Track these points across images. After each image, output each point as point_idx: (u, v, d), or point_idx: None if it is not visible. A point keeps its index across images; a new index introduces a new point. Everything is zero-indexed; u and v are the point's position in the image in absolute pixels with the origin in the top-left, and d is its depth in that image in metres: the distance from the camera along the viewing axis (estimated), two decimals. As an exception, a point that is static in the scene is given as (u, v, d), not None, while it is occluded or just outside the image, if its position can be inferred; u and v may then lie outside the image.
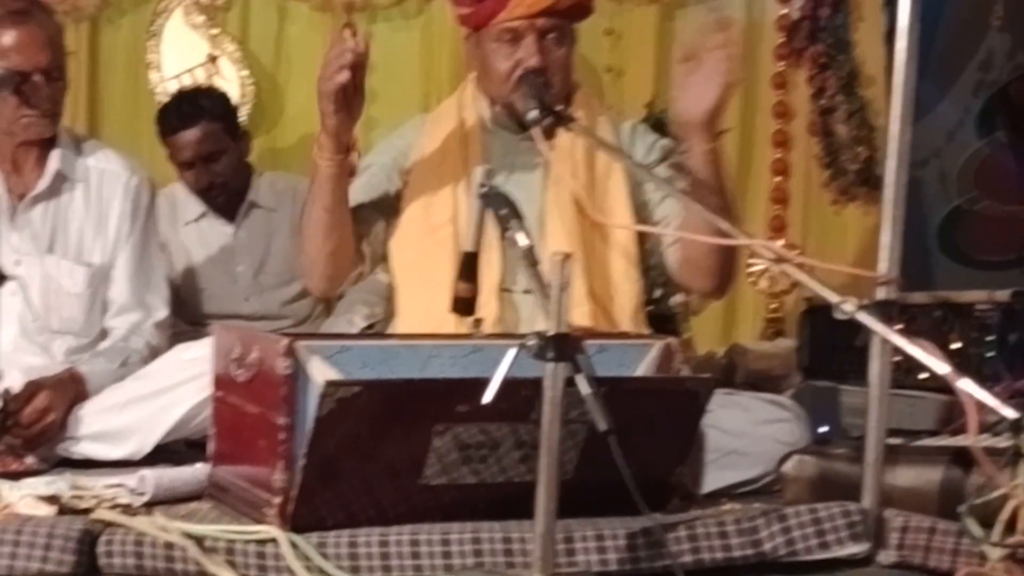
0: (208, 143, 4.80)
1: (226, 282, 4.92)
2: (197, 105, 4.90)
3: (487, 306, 3.09)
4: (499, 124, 3.47)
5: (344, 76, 3.01)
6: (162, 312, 3.84)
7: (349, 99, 3.07)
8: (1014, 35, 5.90)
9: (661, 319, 3.66)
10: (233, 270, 4.92)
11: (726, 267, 3.40)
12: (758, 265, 5.17)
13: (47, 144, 3.70)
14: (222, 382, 2.78)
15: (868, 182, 5.23)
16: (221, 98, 5.02)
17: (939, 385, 3.41)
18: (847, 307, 2.30)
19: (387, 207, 3.47)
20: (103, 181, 3.75)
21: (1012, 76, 5.96)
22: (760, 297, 5.31)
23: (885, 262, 2.50)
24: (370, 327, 4.17)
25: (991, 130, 5.99)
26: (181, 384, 3.43)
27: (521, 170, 3.34)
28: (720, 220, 2.72)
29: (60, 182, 3.70)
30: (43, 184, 3.67)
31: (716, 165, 3.23)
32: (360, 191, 3.45)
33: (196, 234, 4.94)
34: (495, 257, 3.20)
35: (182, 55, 5.44)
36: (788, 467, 2.76)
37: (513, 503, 2.40)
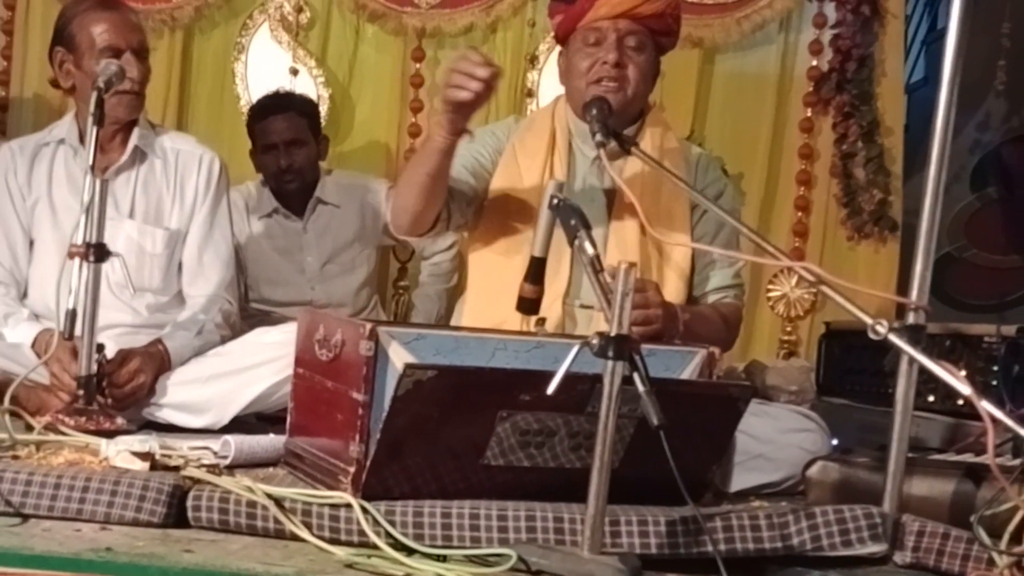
0: (293, 131, 4.92)
1: (294, 272, 4.97)
2: (290, 98, 5.06)
3: (548, 311, 3.09)
4: (583, 139, 3.45)
5: (462, 96, 2.96)
6: (227, 275, 3.86)
7: (466, 107, 3.03)
8: (1011, 101, 5.94)
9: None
10: (301, 261, 4.97)
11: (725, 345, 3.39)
12: (777, 291, 5.20)
13: (128, 128, 3.74)
14: (304, 360, 2.79)
15: (880, 222, 5.26)
16: (310, 101, 5.16)
17: (944, 408, 3.45)
18: (880, 328, 2.29)
19: (479, 179, 3.45)
20: (179, 158, 3.81)
21: (1006, 138, 6.00)
22: (777, 320, 5.32)
23: (915, 290, 2.49)
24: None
25: (983, 186, 6.03)
26: (259, 365, 3.47)
27: (593, 187, 3.35)
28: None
29: (139, 156, 3.75)
30: (125, 157, 3.72)
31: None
32: (458, 158, 3.38)
33: (268, 228, 5.00)
34: (564, 268, 3.21)
35: (266, 67, 5.47)
36: (813, 471, 2.75)
37: (563, 488, 2.41)
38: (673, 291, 3.36)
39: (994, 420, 2.13)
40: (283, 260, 4.96)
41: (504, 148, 3.50)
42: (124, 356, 3.42)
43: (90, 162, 3.20)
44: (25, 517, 2.37)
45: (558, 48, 3.60)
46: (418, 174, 3.21)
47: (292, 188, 4.97)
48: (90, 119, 3.27)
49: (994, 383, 3.44)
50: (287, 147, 4.92)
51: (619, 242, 3.26)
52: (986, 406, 2.13)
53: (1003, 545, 2.32)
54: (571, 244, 2.57)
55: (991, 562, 2.31)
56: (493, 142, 3.51)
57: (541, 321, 2.91)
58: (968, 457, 2.88)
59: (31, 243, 3.74)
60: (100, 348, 3.30)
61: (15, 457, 2.63)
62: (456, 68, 2.98)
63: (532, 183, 3.40)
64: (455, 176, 3.34)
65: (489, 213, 3.44)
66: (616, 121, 3.26)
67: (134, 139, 3.73)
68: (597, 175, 3.42)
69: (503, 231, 3.41)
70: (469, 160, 3.44)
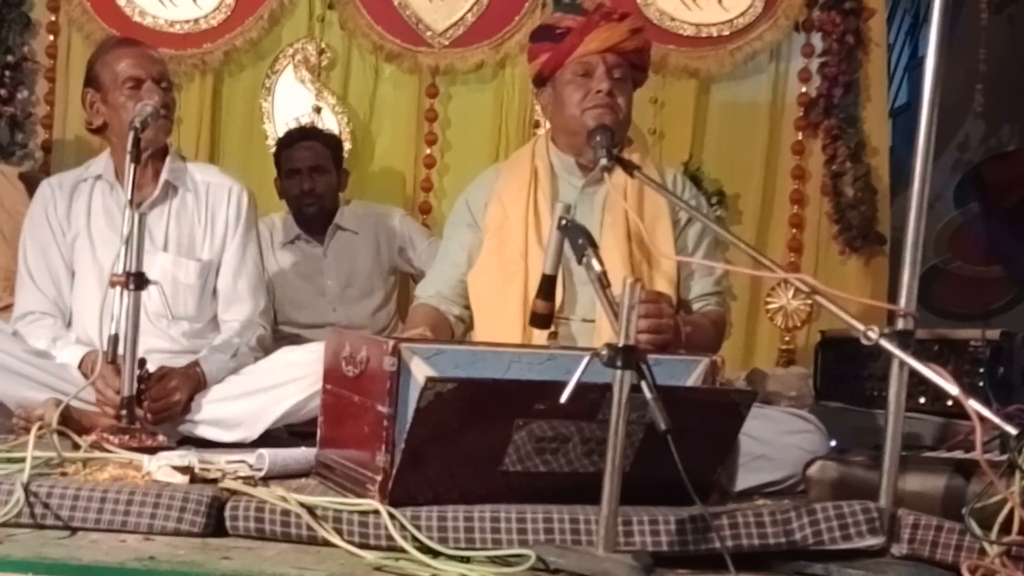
0: (316, 158, 4.98)
1: (316, 295, 4.98)
2: (316, 130, 5.15)
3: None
4: (567, 171, 3.49)
5: None
6: (261, 302, 3.85)
7: None
8: (988, 122, 5.94)
9: (692, 344, 3.66)
10: (323, 284, 4.99)
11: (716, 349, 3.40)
12: (775, 303, 5.20)
13: (160, 158, 3.74)
14: (331, 376, 2.78)
15: (868, 237, 5.26)
16: (334, 136, 5.22)
17: (934, 409, 3.44)
18: (871, 334, 2.28)
19: (468, 266, 3.53)
20: (209, 191, 3.80)
21: (985, 157, 6.00)
22: (776, 331, 5.31)
23: (903, 298, 2.48)
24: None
25: (965, 202, 6.03)
26: (287, 383, 3.47)
27: (582, 212, 3.35)
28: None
29: (171, 190, 3.75)
30: (157, 191, 3.71)
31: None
32: (444, 264, 3.58)
33: (290, 254, 5.03)
34: (557, 288, 3.21)
35: (291, 105, 5.49)
36: (813, 470, 2.74)
37: (577, 491, 2.39)
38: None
39: (981, 418, 2.14)
40: (305, 284, 4.98)
41: (489, 197, 3.55)
42: (163, 374, 3.42)
43: (128, 197, 3.22)
44: (73, 530, 2.38)
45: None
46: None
47: (312, 212, 4.99)
48: (128, 156, 3.29)
49: (980, 384, 3.45)
50: (310, 172, 4.97)
51: (609, 260, 3.26)
52: (973, 405, 2.13)
53: (993, 535, 2.29)
54: (579, 261, 2.57)
55: (982, 551, 2.30)
56: (473, 207, 3.58)
57: (553, 335, 2.92)
58: (958, 454, 2.86)
59: (72, 274, 3.73)
60: (142, 363, 3.31)
61: (63, 474, 2.63)
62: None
63: (517, 218, 3.45)
64: (447, 286, 3.55)
65: (485, 252, 3.49)
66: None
67: (165, 173, 3.73)
68: (585, 200, 3.43)
69: (498, 266, 3.44)
70: (452, 261, 3.58)
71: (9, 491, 2.41)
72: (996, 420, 2.18)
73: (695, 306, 3.51)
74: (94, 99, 3.70)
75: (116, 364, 3.24)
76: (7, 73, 5.41)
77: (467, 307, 3.51)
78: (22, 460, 2.51)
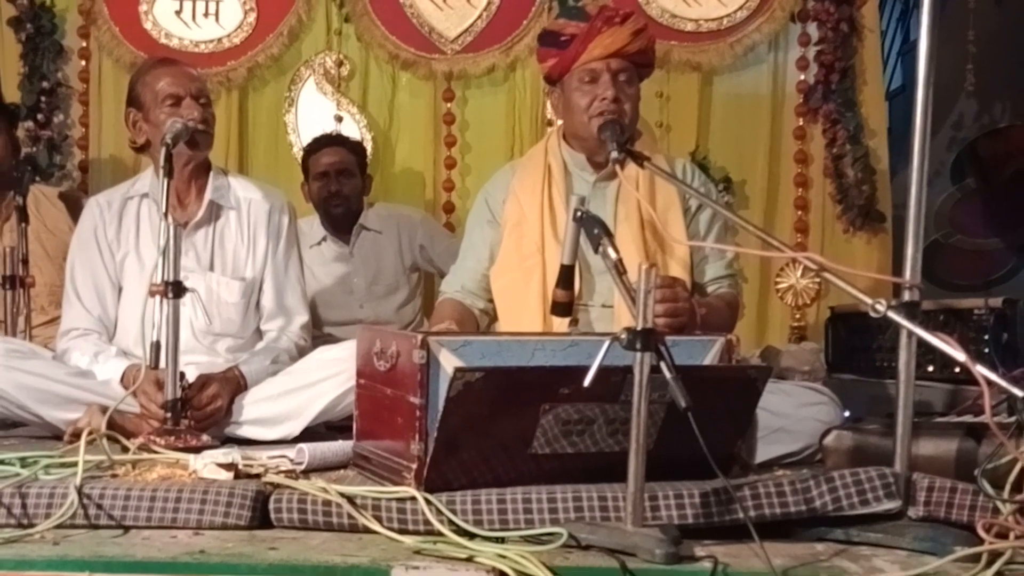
0: (342, 163, 5.02)
1: (344, 293, 5.01)
2: (342, 137, 5.17)
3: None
4: (579, 167, 3.47)
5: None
6: (303, 316, 3.86)
7: None
8: (980, 100, 5.92)
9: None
10: (350, 283, 5.01)
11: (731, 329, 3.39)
12: (785, 283, 5.18)
13: (202, 181, 3.75)
14: (364, 372, 2.77)
15: (869, 215, 5.28)
16: (360, 143, 5.24)
17: (943, 376, 3.42)
18: (879, 307, 2.26)
19: (491, 259, 3.53)
20: (251, 208, 3.79)
21: (979, 134, 5.99)
22: (787, 309, 5.32)
23: (908, 271, 2.46)
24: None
25: (962, 178, 6.01)
26: (324, 380, 3.46)
27: (595, 205, 3.34)
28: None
29: (215, 210, 3.74)
30: (201, 212, 3.71)
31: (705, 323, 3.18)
32: (467, 259, 3.58)
33: (318, 255, 5.06)
34: (575, 277, 3.20)
35: (313, 116, 5.50)
36: (829, 440, 2.72)
37: (604, 469, 2.39)
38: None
39: (989, 382, 2.11)
40: (334, 283, 5.01)
41: (506, 194, 3.54)
42: (203, 382, 3.42)
43: (163, 209, 3.22)
44: (126, 528, 2.38)
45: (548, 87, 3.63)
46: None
47: (338, 213, 5.03)
48: (160, 171, 3.30)
49: (986, 350, 3.43)
50: (337, 175, 5.01)
51: (625, 249, 3.24)
52: (981, 370, 2.11)
53: (1006, 494, 2.29)
54: (596, 251, 2.55)
55: (996, 510, 2.28)
56: (492, 204, 3.58)
57: (574, 322, 2.91)
58: (968, 418, 2.85)
59: (119, 289, 3.74)
60: (182, 376, 3.30)
61: (114, 476, 2.63)
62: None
63: (534, 214, 3.45)
64: (472, 281, 3.54)
65: (504, 248, 3.49)
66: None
67: (209, 192, 3.73)
68: (598, 194, 3.42)
69: (517, 260, 3.44)
70: (475, 257, 3.58)
71: (64, 494, 2.41)
72: (1003, 384, 2.15)
73: (709, 289, 3.50)
74: (136, 118, 3.70)
75: (156, 374, 3.25)
76: (43, 99, 5.45)
77: (491, 300, 3.50)
78: (74, 465, 2.51)
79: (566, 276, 2.85)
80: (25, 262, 3.95)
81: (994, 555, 2.11)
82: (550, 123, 5.25)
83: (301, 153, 5.32)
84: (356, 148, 5.15)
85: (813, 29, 5.37)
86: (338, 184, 4.99)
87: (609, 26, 3.37)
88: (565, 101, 3.45)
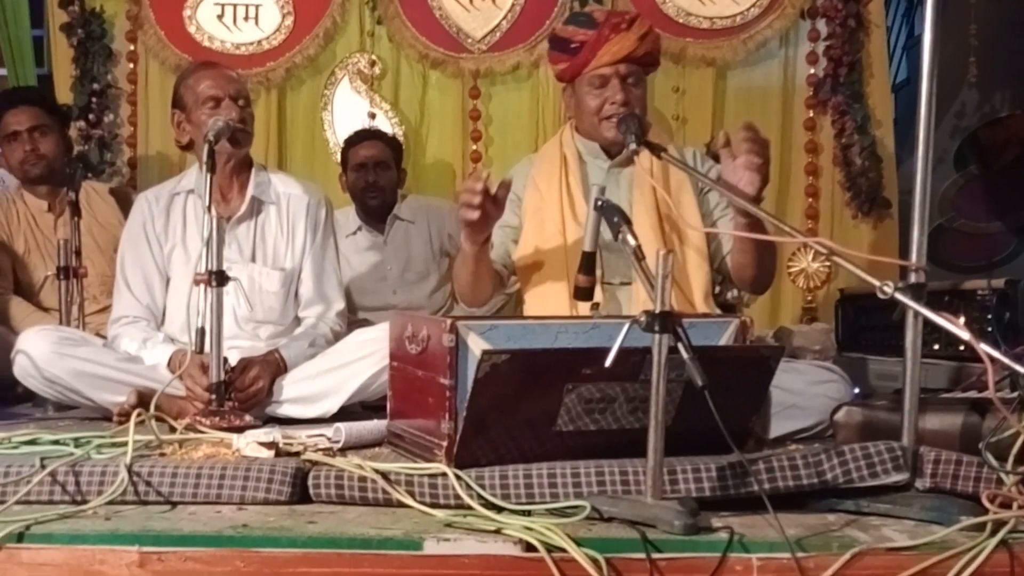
0: (380, 156, 5.02)
1: (378, 280, 5.00)
2: (380, 132, 5.19)
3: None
4: (592, 155, 3.46)
5: (472, 215, 3.03)
6: (339, 304, 3.87)
7: (478, 225, 3.07)
8: (981, 91, 5.88)
9: (723, 307, 3.61)
10: (384, 270, 5.01)
11: (761, 277, 3.41)
12: (796, 267, 5.16)
13: (244, 177, 3.76)
14: (397, 355, 2.76)
15: (876, 201, 5.26)
16: (396, 138, 5.25)
17: (948, 354, 3.39)
18: (887, 289, 2.25)
19: (516, 232, 3.50)
20: (290, 203, 3.79)
21: (980, 123, 5.95)
22: (799, 291, 5.29)
23: (915, 254, 2.43)
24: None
25: (965, 164, 5.97)
26: (359, 360, 3.46)
27: (611, 190, 3.32)
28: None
29: (256, 205, 3.75)
30: (244, 207, 3.72)
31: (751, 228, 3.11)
32: (496, 238, 3.47)
33: (353, 244, 5.05)
34: (597, 258, 3.18)
35: (348, 114, 5.50)
36: (840, 416, 2.69)
37: (625, 445, 2.38)
38: (694, 269, 3.38)
39: (992, 360, 2.10)
40: (368, 271, 5.00)
41: (525, 184, 3.52)
42: (245, 365, 3.43)
43: (206, 203, 3.22)
44: (173, 504, 2.38)
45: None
46: (464, 274, 3.33)
47: (374, 204, 5.03)
48: (204, 167, 3.31)
49: (989, 329, 3.40)
50: (375, 167, 5.00)
51: (642, 235, 3.21)
52: (984, 348, 2.10)
53: (1009, 466, 2.27)
54: (615, 238, 2.54)
55: (999, 482, 2.26)
56: (513, 189, 3.46)
57: (595, 306, 2.88)
58: (972, 394, 2.82)
59: (167, 280, 3.75)
60: (225, 360, 3.31)
61: (162, 455, 2.62)
62: (462, 191, 3.07)
63: (553, 199, 3.43)
64: (496, 253, 3.43)
65: (526, 232, 3.47)
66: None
67: (251, 189, 3.74)
68: (612, 179, 3.40)
69: (540, 245, 3.42)
70: (504, 236, 3.49)
71: (115, 472, 2.41)
72: (1006, 361, 2.15)
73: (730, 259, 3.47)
74: (180, 119, 3.71)
75: (201, 358, 3.26)
76: (94, 100, 5.47)
77: (504, 267, 3.47)
78: (125, 444, 2.51)
79: (587, 262, 2.83)
80: (78, 254, 3.96)
81: (998, 524, 2.09)
82: (570, 118, 5.23)
83: (337, 148, 5.33)
84: (393, 142, 5.15)
85: (822, 25, 5.35)
86: (375, 175, 4.99)
87: (616, 33, 3.34)
88: (576, 102, 3.46)
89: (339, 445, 2.78)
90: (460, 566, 2.07)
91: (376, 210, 5.04)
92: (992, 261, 5.96)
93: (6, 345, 3.81)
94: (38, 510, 2.29)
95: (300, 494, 2.41)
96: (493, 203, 3.03)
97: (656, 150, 3.12)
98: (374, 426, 2.88)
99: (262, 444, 2.59)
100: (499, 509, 2.25)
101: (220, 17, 5.46)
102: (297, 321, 3.81)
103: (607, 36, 3.34)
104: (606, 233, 2.65)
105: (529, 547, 2.06)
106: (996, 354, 2.14)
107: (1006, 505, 2.16)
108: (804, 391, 3.06)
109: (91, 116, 5.46)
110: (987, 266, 5.82)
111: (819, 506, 2.33)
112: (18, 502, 2.34)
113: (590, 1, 5.28)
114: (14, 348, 3.52)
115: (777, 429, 2.97)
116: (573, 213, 3.37)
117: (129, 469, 2.41)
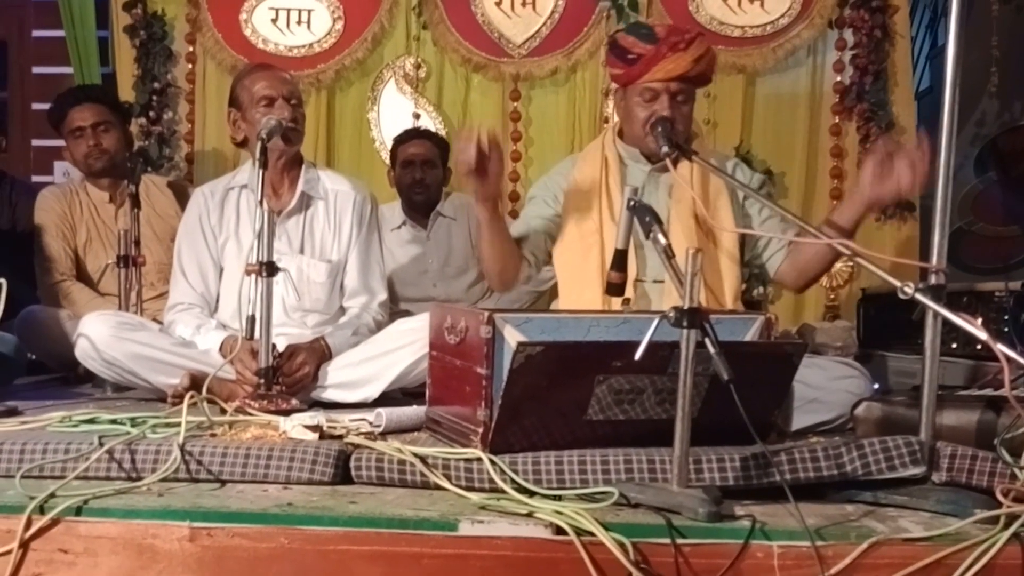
0: (427, 154, 5.02)
1: (419, 273, 5.01)
2: (429, 131, 5.21)
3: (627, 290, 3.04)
4: (633, 159, 3.44)
5: (463, 157, 3.04)
6: (382, 295, 3.87)
7: (478, 172, 3.06)
8: (1002, 100, 5.82)
9: (749, 304, 3.60)
10: (425, 263, 5.02)
11: (816, 278, 3.44)
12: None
13: (295, 173, 3.77)
14: (436, 345, 2.76)
15: (899, 204, 5.19)
16: (443, 138, 5.24)
17: (965, 353, 3.36)
18: (907, 289, 2.24)
19: (550, 224, 3.46)
20: (338, 199, 3.80)
21: (1000, 131, 5.89)
22: (822, 290, 5.27)
23: (935, 256, 2.41)
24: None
25: (984, 171, 5.92)
26: (400, 348, 3.46)
27: (649, 194, 3.30)
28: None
29: (306, 200, 3.76)
30: (294, 202, 3.73)
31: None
32: (526, 215, 3.51)
33: (397, 238, 5.06)
34: (631, 256, 3.16)
35: (394, 114, 5.52)
36: (859, 411, 2.67)
37: (653, 435, 2.37)
38: (726, 271, 3.35)
39: (1008, 359, 2.09)
40: (411, 263, 5.01)
41: (566, 181, 3.49)
42: (292, 351, 3.44)
43: (259, 198, 3.23)
44: (223, 482, 2.39)
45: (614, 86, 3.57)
46: (484, 246, 3.30)
47: (420, 200, 5.03)
48: (257, 163, 3.32)
49: (1005, 329, 3.38)
50: (421, 164, 5.01)
51: (675, 236, 3.19)
52: (1000, 348, 2.08)
53: (1023, 462, 2.26)
54: (647, 237, 2.52)
55: (1013, 477, 2.24)
56: (552, 186, 3.52)
57: (626, 301, 2.87)
58: (988, 392, 2.79)
59: (221, 270, 3.77)
60: (274, 346, 3.32)
61: (213, 435, 2.63)
62: (456, 140, 3.10)
63: (592, 198, 3.41)
64: (526, 230, 3.43)
65: (565, 229, 3.44)
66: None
67: (301, 184, 3.75)
68: (652, 182, 3.39)
69: (578, 238, 3.39)
70: (531, 217, 3.49)
71: (168, 451, 2.43)
72: (1021, 360, 2.14)
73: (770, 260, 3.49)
74: (236, 117, 3.73)
75: (252, 344, 3.28)
76: (154, 98, 5.53)
77: (532, 253, 3.45)
78: (178, 425, 2.52)
79: (620, 260, 2.82)
80: (137, 243, 3.99)
81: (1011, 517, 2.07)
82: (607, 120, 5.23)
83: (383, 147, 5.36)
84: (440, 142, 5.15)
85: (849, 35, 5.33)
86: (421, 173, 5.00)
87: (674, 52, 3.27)
88: (626, 108, 3.41)
89: (380, 429, 2.78)
90: (493, 547, 2.06)
91: (421, 206, 5.05)
92: (1009, 264, 5.91)
93: (68, 329, 3.85)
94: (96, 485, 2.30)
95: (342, 475, 2.41)
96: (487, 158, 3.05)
97: (688, 153, 3.10)
98: (413, 412, 2.88)
99: (307, 427, 2.59)
100: (531, 493, 2.24)
101: (275, 21, 5.50)
102: (342, 310, 3.82)
103: (664, 54, 3.27)
104: (641, 233, 2.64)
105: (559, 530, 2.05)
106: (1012, 354, 2.12)
107: (1019, 499, 2.13)
108: (825, 386, 3.03)
109: (151, 113, 5.53)
110: (1004, 268, 5.78)
111: (838, 497, 2.31)
112: (77, 477, 2.36)
113: (626, 10, 5.26)
114: (76, 331, 3.55)
115: (799, 422, 2.96)
116: (611, 213, 3.36)
117: (182, 448, 2.42)
